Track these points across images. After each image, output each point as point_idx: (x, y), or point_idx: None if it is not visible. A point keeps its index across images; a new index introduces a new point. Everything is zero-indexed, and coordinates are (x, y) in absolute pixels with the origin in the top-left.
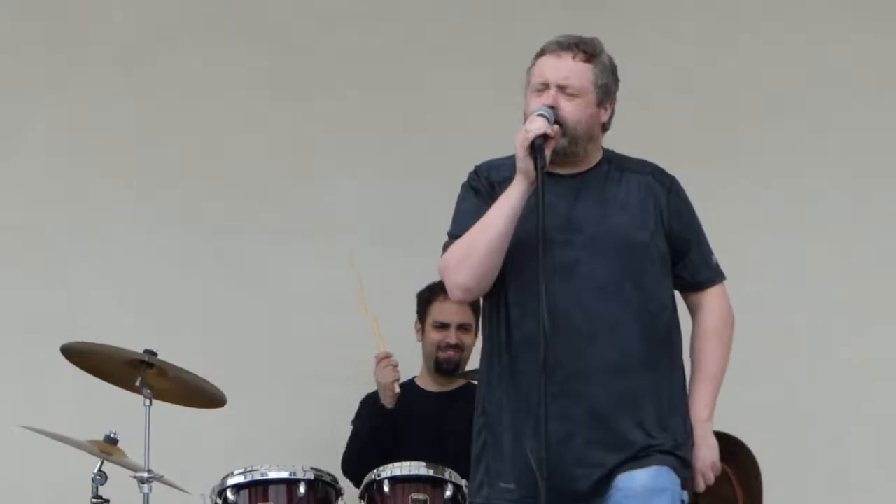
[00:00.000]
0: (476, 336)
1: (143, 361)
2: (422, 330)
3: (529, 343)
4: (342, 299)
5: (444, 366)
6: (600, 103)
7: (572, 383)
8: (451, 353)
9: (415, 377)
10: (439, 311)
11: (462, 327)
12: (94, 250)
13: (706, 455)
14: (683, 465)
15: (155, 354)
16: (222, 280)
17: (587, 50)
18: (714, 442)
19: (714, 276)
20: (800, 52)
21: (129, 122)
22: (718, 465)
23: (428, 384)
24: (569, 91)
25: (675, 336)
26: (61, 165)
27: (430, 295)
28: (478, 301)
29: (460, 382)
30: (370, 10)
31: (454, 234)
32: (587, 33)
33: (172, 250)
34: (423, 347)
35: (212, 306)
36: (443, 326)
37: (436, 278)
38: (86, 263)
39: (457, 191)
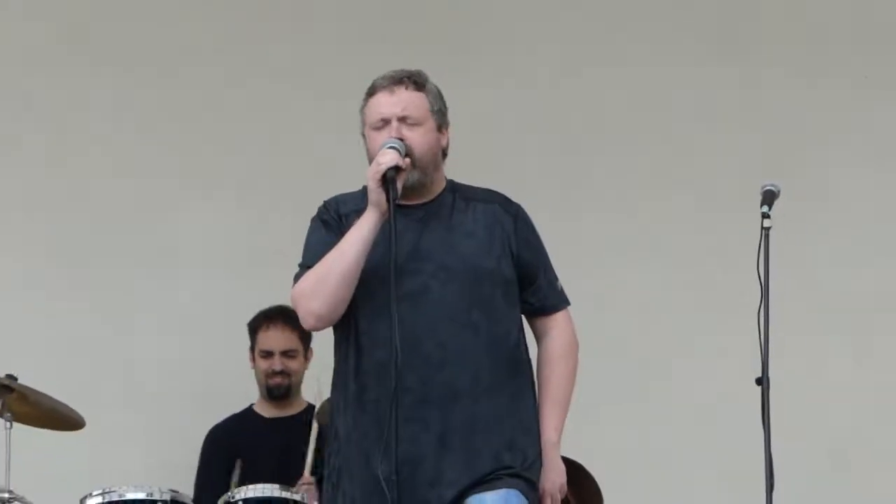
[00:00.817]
0: (306, 361)
1: (3, 385)
2: (253, 359)
3: (380, 369)
4: (199, 325)
5: (274, 392)
6: (439, 128)
7: (422, 408)
8: (278, 379)
9: (252, 404)
10: (264, 339)
11: (286, 353)
12: None
13: (555, 478)
14: (531, 488)
15: (15, 379)
16: (83, 307)
17: (416, 80)
18: (562, 465)
19: (559, 301)
20: (643, 81)
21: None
22: (566, 487)
23: (265, 410)
24: (409, 121)
25: (525, 360)
26: None
27: (256, 324)
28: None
29: (298, 407)
30: (231, 44)
31: (305, 265)
32: (434, 66)
33: (34, 278)
34: (255, 375)
35: (72, 332)
36: (268, 354)
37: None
38: None
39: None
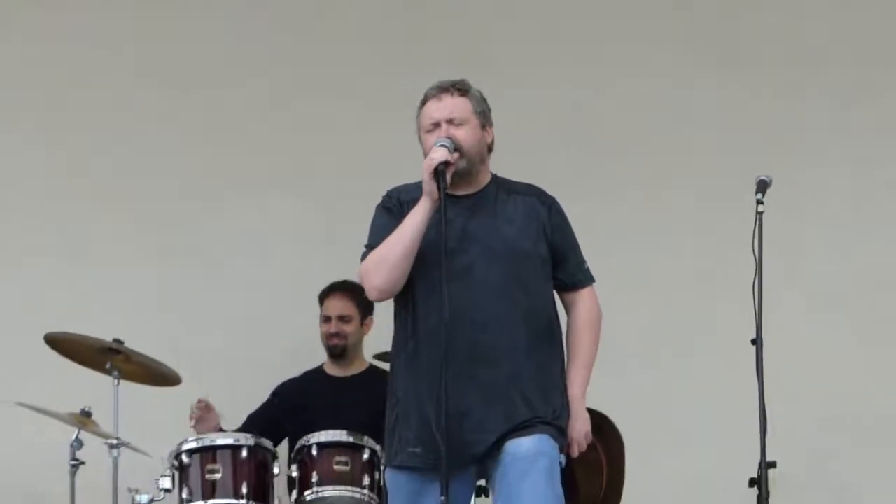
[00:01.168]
0: (363, 327)
1: (111, 349)
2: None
3: (432, 334)
4: (275, 294)
5: (332, 351)
6: (483, 126)
7: (469, 368)
8: (334, 340)
9: (323, 364)
10: (325, 306)
11: (341, 318)
12: (75, 255)
13: (581, 427)
14: (561, 434)
15: (122, 343)
16: (177, 279)
17: (460, 87)
18: (587, 416)
19: (586, 278)
20: (657, 94)
21: (100, 133)
22: (591, 435)
23: (331, 370)
24: (456, 122)
25: (556, 327)
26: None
27: (322, 295)
28: (361, 296)
29: (359, 368)
30: (294, 56)
31: (370, 246)
32: (477, 83)
33: (136, 255)
34: (321, 338)
35: (168, 302)
36: (327, 319)
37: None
38: (67, 264)
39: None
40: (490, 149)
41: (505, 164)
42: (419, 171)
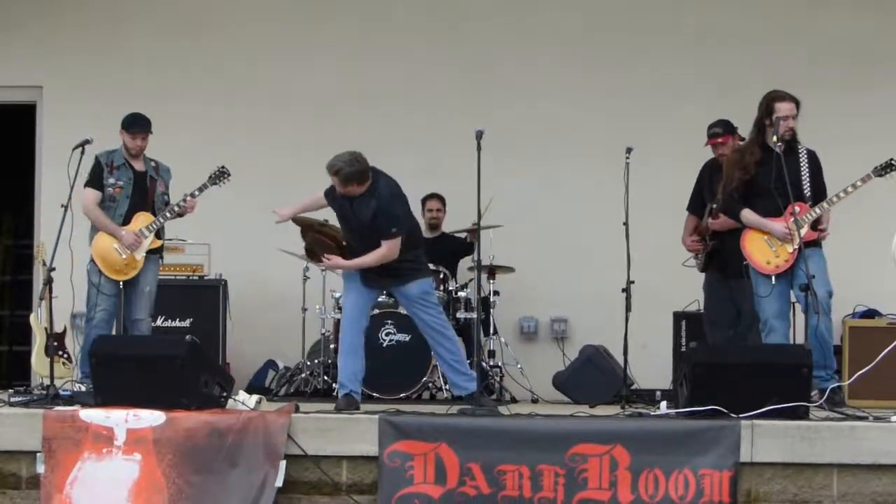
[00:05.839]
0: (445, 214)
1: (323, 222)
2: (423, 213)
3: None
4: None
5: (430, 224)
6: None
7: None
8: (433, 223)
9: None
10: (427, 205)
11: (438, 216)
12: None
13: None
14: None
15: (328, 221)
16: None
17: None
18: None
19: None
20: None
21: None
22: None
23: (426, 233)
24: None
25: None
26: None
27: (424, 200)
28: (445, 201)
29: (437, 234)
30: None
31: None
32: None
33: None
34: (423, 219)
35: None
36: (429, 210)
37: None
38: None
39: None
40: None
41: None
42: None
